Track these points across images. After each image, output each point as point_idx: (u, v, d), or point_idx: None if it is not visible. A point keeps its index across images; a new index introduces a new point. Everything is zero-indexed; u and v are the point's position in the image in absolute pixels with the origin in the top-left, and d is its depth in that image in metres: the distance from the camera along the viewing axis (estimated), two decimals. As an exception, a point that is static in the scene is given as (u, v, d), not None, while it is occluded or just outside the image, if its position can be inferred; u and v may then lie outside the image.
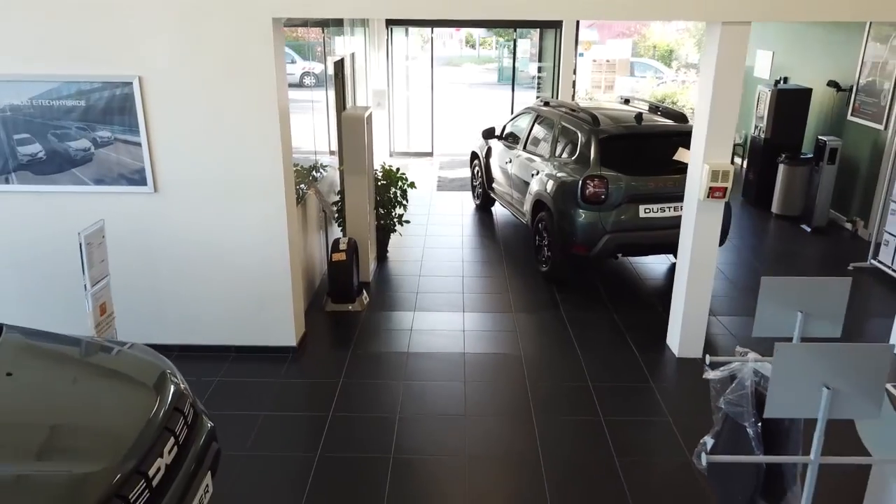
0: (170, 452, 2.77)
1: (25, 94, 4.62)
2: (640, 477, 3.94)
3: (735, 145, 11.39)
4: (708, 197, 4.82)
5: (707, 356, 3.26)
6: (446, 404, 4.64)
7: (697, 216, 4.96)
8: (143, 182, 4.81)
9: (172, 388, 3.03)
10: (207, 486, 3.02)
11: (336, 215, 7.03)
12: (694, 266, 5.06)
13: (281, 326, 5.20)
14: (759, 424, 3.05)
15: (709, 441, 3.45)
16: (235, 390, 4.74)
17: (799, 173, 8.60)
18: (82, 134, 4.71)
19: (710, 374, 3.28)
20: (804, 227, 8.42)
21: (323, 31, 7.06)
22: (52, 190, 4.82)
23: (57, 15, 4.43)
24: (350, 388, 4.82)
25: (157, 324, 5.07)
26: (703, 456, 2.70)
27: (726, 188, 4.79)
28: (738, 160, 11.20)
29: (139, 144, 4.72)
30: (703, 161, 4.80)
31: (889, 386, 2.89)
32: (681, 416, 4.50)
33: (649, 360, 5.24)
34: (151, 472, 2.61)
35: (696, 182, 4.90)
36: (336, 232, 7.19)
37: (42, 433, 2.64)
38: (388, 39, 11.46)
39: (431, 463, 4.05)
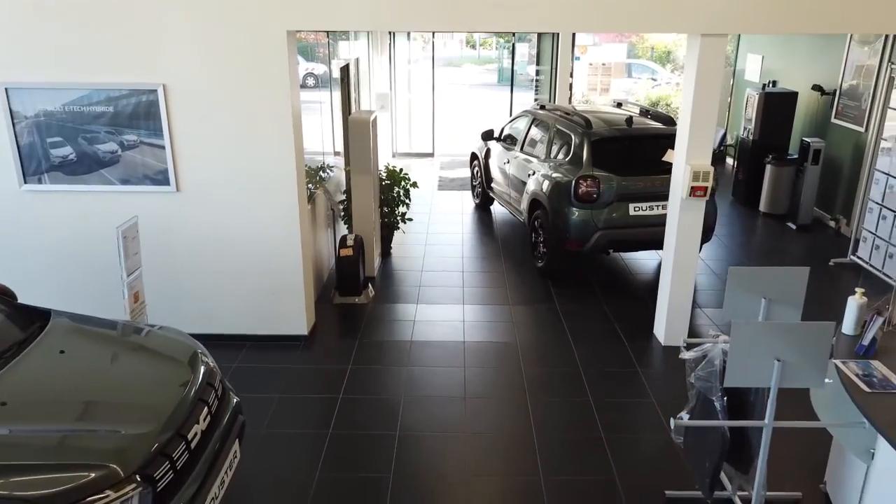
0: (204, 420, 3.15)
1: (59, 100, 4.99)
2: (625, 452, 4.31)
3: (727, 146, 11.80)
4: (690, 195, 5.20)
5: (683, 338, 3.63)
6: (447, 387, 5.02)
7: (681, 213, 5.33)
8: (166, 182, 5.18)
9: (204, 365, 3.41)
10: (236, 451, 3.40)
11: (342, 213, 7.40)
12: (678, 260, 5.44)
13: (293, 317, 5.58)
14: (725, 399, 3.43)
15: (684, 416, 3.82)
16: (252, 375, 5.11)
17: (785, 173, 8.97)
18: (110, 137, 5.09)
19: (686, 354, 3.66)
20: (790, 224, 8.79)
21: (328, 36, 7.42)
22: (82, 189, 5.20)
23: (88, 28, 4.80)
24: (358, 373, 5.19)
25: (177, 314, 5.42)
26: (672, 420, 3.07)
27: (707, 187, 5.17)
28: (729, 160, 11.59)
29: (163, 147, 5.10)
30: (685, 162, 5.18)
31: (838, 362, 3.25)
32: (664, 399, 4.87)
33: (637, 348, 5.61)
34: (189, 436, 2.99)
35: (680, 181, 5.28)
36: (342, 229, 7.56)
37: (96, 400, 3.02)
38: (390, 43, 11.84)
39: (434, 439, 4.42)
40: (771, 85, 10.12)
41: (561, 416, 4.69)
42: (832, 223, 8.70)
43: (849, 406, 3.03)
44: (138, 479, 2.66)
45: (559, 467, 4.17)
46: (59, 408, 2.94)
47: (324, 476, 4.05)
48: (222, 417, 3.33)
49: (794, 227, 8.71)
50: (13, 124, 5.04)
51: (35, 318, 3.46)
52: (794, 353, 2.80)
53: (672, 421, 3.13)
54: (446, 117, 15.37)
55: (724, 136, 11.53)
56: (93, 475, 2.57)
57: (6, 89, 4.96)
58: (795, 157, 8.93)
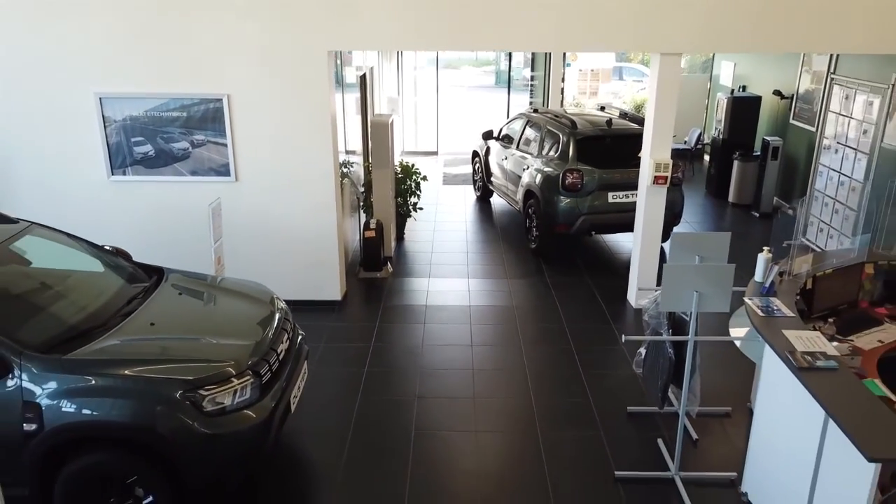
0: (286, 341, 4.33)
1: (142, 107, 6.17)
2: (598, 383, 5.50)
3: (704, 144, 13.01)
4: (654, 183, 6.39)
5: (638, 287, 4.82)
6: (457, 338, 6.21)
7: (647, 198, 6.53)
8: (227, 174, 6.37)
9: (279, 304, 4.60)
10: (305, 371, 4.58)
11: (362, 202, 8.58)
12: (645, 236, 6.63)
13: (329, 285, 6.77)
14: (671, 330, 4.61)
15: (643, 351, 5.02)
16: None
17: (750, 168, 10.19)
18: (183, 137, 6.27)
19: (642, 302, 4.85)
20: (754, 213, 10.00)
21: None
22: (159, 180, 6.38)
23: (168, 48, 5.98)
24: (384, 329, 6.38)
25: (234, 283, 6.61)
26: (624, 336, 4.27)
27: (667, 176, 6.37)
28: (707, 157, 12.78)
29: (225, 145, 6.28)
30: (649, 156, 6.37)
31: (746, 298, 4.44)
32: (631, 347, 6.05)
33: (612, 310, 6.81)
34: (278, 350, 4.17)
35: (646, 172, 6.47)
36: (361, 217, 8.74)
37: (214, 324, 4.21)
38: (398, 51, 13.04)
39: (447, 374, 5.61)
40: (741, 89, 11.33)
41: (549, 359, 5.89)
42: (790, 211, 9.91)
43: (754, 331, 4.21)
44: (250, 373, 3.84)
45: (547, 394, 5.36)
46: (191, 328, 4.12)
47: (364, 399, 5.24)
48: (296, 343, 4.52)
49: (757, 214, 9.92)
50: (104, 127, 6.22)
51: (154, 272, 4.65)
52: (706, 286, 3.99)
53: (623, 336, 4.33)
54: (448, 118, 16.56)
55: (701, 135, 12.74)
56: (224, 368, 3.75)
57: (100, 98, 6.14)
58: (759, 153, 10.13)
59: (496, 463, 4.55)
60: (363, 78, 9.50)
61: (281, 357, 4.18)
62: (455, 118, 17.88)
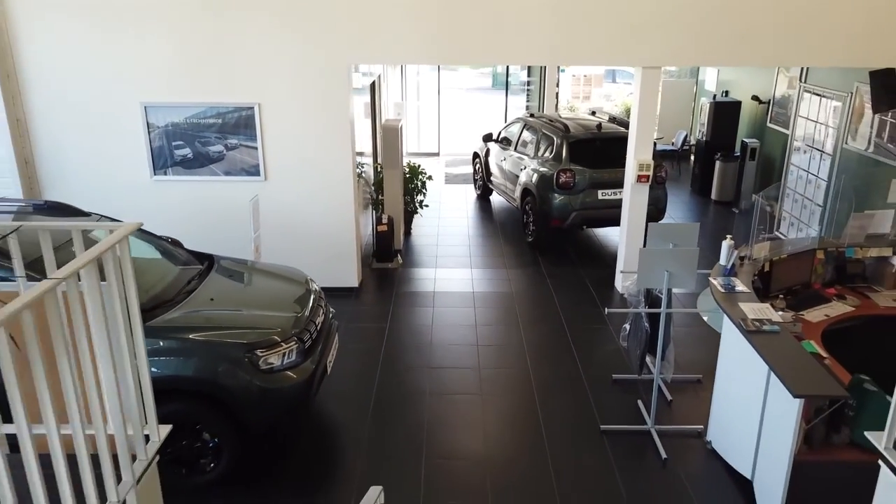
0: (321, 315, 5.10)
1: (182, 114, 6.94)
2: (587, 356, 6.29)
3: (691, 146, 13.81)
4: (637, 181, 7.18)
5: (620, 270, 5.61)
6: (462, 318, 6.99)
7: (631, 195, 7.32)
8: (257, 174, 7.14)
9: (314, 285, 5.37)
10: (336, 341, 5.36)
11: (373, 200, 9.35)
12: (630, 229, 7.41)
13: (347, 274, 7.55)
14: (647, 306, 5.40)
15: (626, 326, 5.81)
16: (321, 313, 7.06)
17: (731, 168, 11.00)
18: (218, 141, 7.04)
19: (625, 283, 5.64)
20: (734, 209, 10.81)
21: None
22: (196, 179, 7.15)
23: (206, 61, 6.75)
24: (397, 311, 7.16)
25: (262, 271, 7.37)
26: (607, 309, 5.06)
27: (648, 175, 7.16)
28: (692, 158, 13.58)
29: (256, 148, 7.05)
30: (633, 157, 7.17)
31: (710, 278, 5.22)
32: (616, 325, 6.84)
33: (601, 295, 7.59)
34: (317, 322, 4.95)
35: (630, 171, 7.26)
36: (371, 213, 9.50)
37: (262, 300, 4.99)
38: (402, 59, 13.81)
39: (454, 349, 6.39)
40: (724, 94, 12.14)
41: (544, 336, 6.67)
42: (768, 208, 10.71)
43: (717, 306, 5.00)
44: (295, 339, 4.62)
45: (542, 365, 6.14)
46: (242, 303, 4.90)
47: (383, 368, 6.02)
48: (328, 318, 5.29)
49: (737, 211, 10.72)
50: (148, 132, 6.99)
51: (205, 258, 5.42)
52: (675, 266, 4.77)
53: (606, 309, 5.11)
54: (448, 120, 17.33)
55: (687, 136, 13.55)
56: (273, 335, 4.53)
57: (145, 107, 6.90)
58: (738, 154, 10.94)
59: (499, 420, 5.33)
60: (373, 85, 10.26)
61: (318, 328, 4.96)
62: (454, 120, 18.66)
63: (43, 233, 2.41)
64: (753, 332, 4.34)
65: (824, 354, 4.37)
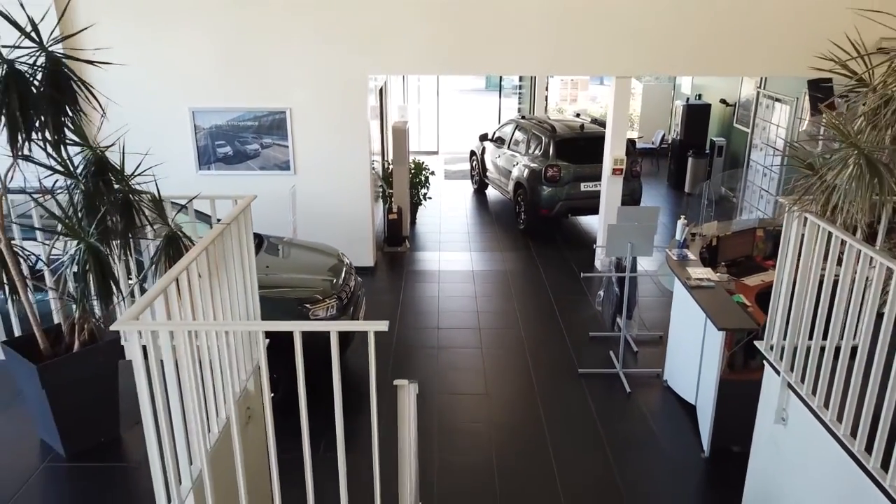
0: (353, 281, 6.31)
1: (224, 118, 8.13)
2: (569, 320, 7.51)
3: (668, 144, 15.07)
4: (612, 174, 8.42)
5: (595, 245, 6.83)
6: (464, 292, 8.21)
7: (608, 186, 8.55)
8: (288, 168, 8.33)
9: (345, 258, 6.58)
10: (364, 304, 6.56)
11: (382, 193, 10.55)
12: (607, 215, 8.64)
13: (364, 255, 8.75)
14: (616, 271, 6.62)
15: (601, 293, 7.05)
16: (343, 287, 8.26)
17: (701, 164, 12.25)
18: (254, 140, 8.23)
19: (601, 256, 6.86)
20: (706, 201, 12.05)
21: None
22: (235, 174, 8.33)
23: (245, 72, 7.93)
24: (409, 286, 8.37)
25: (291, 253, 8.56)
26: (582, 273, 6.29)
27: (622, 168, 8.39)
28: (669, 155, 14.82)
29: (287, 147, 8.24)
30: (609, 153, 8.40)
31: (666, 250, 6.45)
32: (593, 294, 8.07)
33: (582, 272, 8.83)
34: (350, 286, 6.16)
35: (607, 166, 8.50)
36: (379, 205, 10.70)
37: (307, 268, 6.19)
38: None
39: (459, 315, 7.60)
40: (697, 97, 13.40)
41: (533, 305, 7.90)
42: (734, 199, 11.98)
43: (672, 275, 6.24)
44: (335, 297, 5.82)
45: (532, 326, 7.37)
46: (291, 269, 6.10)
47: (400, 329, 7.23)
48: (359, 284, 6.50)
49: (706, 202, 11.96)
50: (195, 133, 8.17)
51: (256, 236, 6.62)
52: (635, 238, 6.00)
53: (581, 273, 6.33)
54: (445, 121, 18.53)
55: (665, 136, 14.81)
56: (317, 293, 5.73)
57: (192, 111, 8.09)
58: (708, 152, 12.20)
59: (496, 367, 6.55)
60: (380, 90, 11.46)
61: (351, 291, 6.17)
62: (452, 121, 19.87)
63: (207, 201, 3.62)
64: (694, 288, 5.58)
65: (749, 304, 5.60)
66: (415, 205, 10.85)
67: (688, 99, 13.13)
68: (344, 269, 6.33)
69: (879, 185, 3.07)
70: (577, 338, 7.11)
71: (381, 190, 10.51)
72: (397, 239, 9.63)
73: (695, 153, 12.32)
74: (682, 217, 6.67)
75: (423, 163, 10.92)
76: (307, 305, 5.62)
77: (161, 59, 7.87)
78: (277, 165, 8.34)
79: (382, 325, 2.57)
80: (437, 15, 7.71)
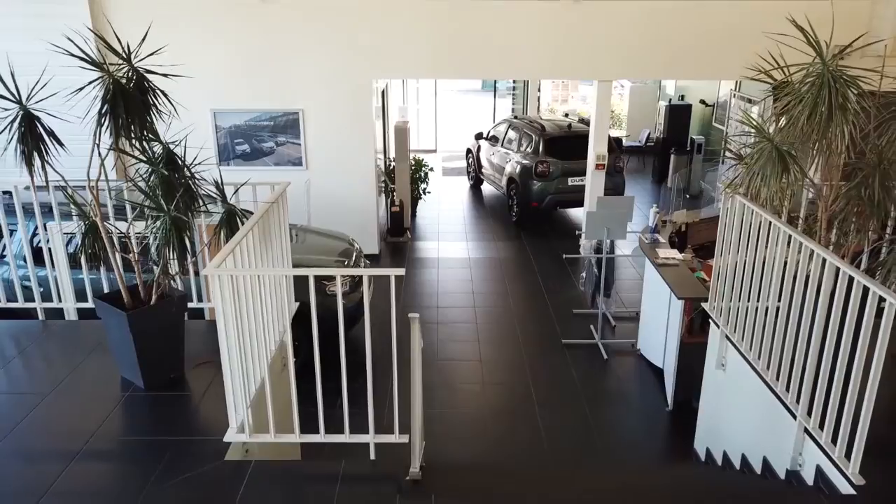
0: (362, 264, 7.15)
1: (243, 118, 8.95)
2: (556, 298, 8.36)
3: (653, 142, 15.93)
4: (595, 169, 9.26)
5: (578, 232, 7.68)
6: (462, 276, 9.05)
7: (591, 180, 9.40)
8: (301, 164, 9.16)
9: (355, 243, 7.42)
10: (373, 284, 7.40)
11: (385, 187, 11.37)
12: (589, 206, 9.48)
13: (370, 243, 9.57)
14: (596, 257, 7.46)
15: (583, 274, 7.90)
16: (351, 272, 9.11)
17: (683, 160, 13.09)
18: (270, 139, 9.05)
19: (583, 239, 7.70)
20: (686, 195, 12.91)
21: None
22: (253, 169, 9.15)
23: (263, 75, 8.76)
24: (411, 271, 9.21)
25: (303, 241, 9.38)
26: (564, 255, 7.14)
27: (604, 164, 9.24)
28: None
29: (300, 144, 9.07)
30: (593, 150, 9.25)
31: (639, 234, 7.29)
32: (578, 274, 8.91)
33: (568, 259, 9.67)
34: (361, 264, 6.99)
35: (591, 161, 9.34)
36: (382, 199, 11.52)
37: (322, 250, 7.03)
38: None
39: (456, 296, 8.44)
40: (680, 98, 14.26)
41: (523, 287, 8.74)
42: (712, 192, 12.83)
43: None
44: (348, 276, 6.66)
45: (521, 304, 8.21)
46: (310, 251, 6.94)
47: (404, 307, 8.05)
48: (367, 266, 7.34)
49: (688, 196, 12.82)
50: (216, 132, 8.99)
51: (275, 223, 7.44)
52: (611, 224, 6.84)
53: (565, 256, 7.18)
54: (443, 120, 19.37)
55: (649, 135, 15.67)
56: (341, 260, 6.57)
57: (214, 112, 8.91)
58: (689, 149, 13.05)
59: (489, 337, 7.39)
60: (383, 92, 12.28)
61: (363, 266, 7.01)
62: (449, 120, 20.70)
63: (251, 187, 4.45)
64: (661, 265, 6.42)
65: (708, 279, 6.45)
66: (415, 199, 11.68)
67: (670, 100, 13.99)
68: (354, 253, 7.17)
69: (785, 171, 3.92)
70: (562, 315, 7.95)
71: (384, 185, 11.34)
72: (399, 230, 10.46)
73: (676, 150, 13.16)
74: (655, 206, 7.52)
75: (422, 160, 11.76)
76: (324, 282, 6.45)
77: (186, 65, 8.66)
78: (291, 161, 9.17)
79: (400, 271, 3.38)
80: (435, 25, 8.55)
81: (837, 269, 3.22)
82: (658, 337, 6.55)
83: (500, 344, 7.30)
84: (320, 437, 3.53)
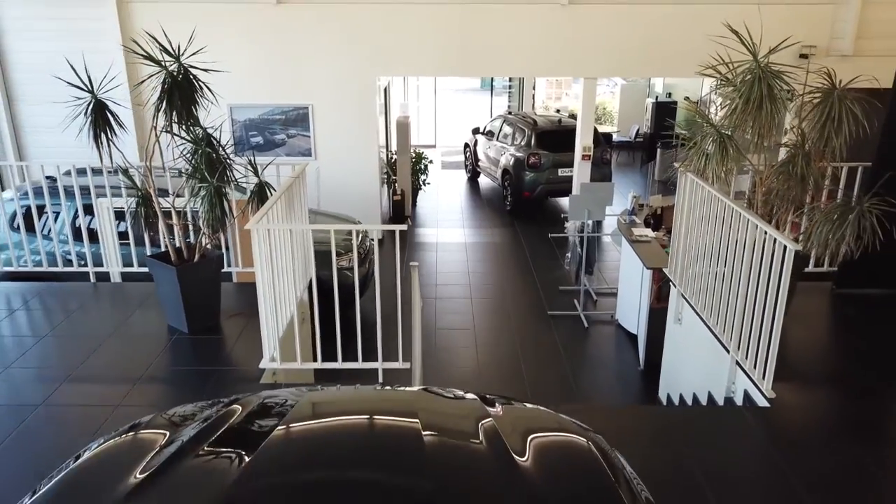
0: (367, 243, 7.93)
1: (257, 112, 9.74)
2: (544, 277, 9.14)
3: (642, 137, 16.71)
4: (581, 160, 10.05)
5: (563, 216, 8.47)
6: (458, 258, 9.83)
7: (578, 169, 10.19)
8: (310, 155, 9.94)
9: (361, 225, 8.21)
10: (377, 260, 8.17)
11: (386, 178, 12.14)
12: (577, 189, 10.25)
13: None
14: (578, 236, 8.24)
15: (568, 254, 8.68)
16: (356, 254, 9.89)
17: (668, 154, 13.87)
18: (282, 131, 9.83)
19: (568, 221, 8.49)
20: (671, 186, 13.68)
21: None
22: (266, 159, 9.90)
23: (275, 73, 9.54)
24: (412, 253, 9.99)
25: (312, 227, 10.16)
26: (550, 235, 7.93)
27: (590, 155, 10.02)
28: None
29: (309, 136, 9.85)
30: (579, 143, 10.04)
31: (618, 216, 8.06)
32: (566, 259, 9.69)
33: (557, 244, 10.46)
34: (366, 245, 7.78)
35: (578, 152, 10.13)
36: (385, 189, 12.30)
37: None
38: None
39: (453, 275, 9.22)
40: (667, 95, 15.03)
41: (514, 268, 9.52)
42: (696, 185, 13.60)
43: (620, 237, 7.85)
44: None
45: (512, 282, 8.99)
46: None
47: (405, 284, 8.84)
48: (372, 245, 8.13)
49: (670, 185, 13.59)
50: (232, 125, 9.78)
51: (289, 207, 8.23)
52: (592, 206, 7.62)
53: (550, 235, 7.97)
54: (442, 117, 20.16)
55: (638, 130, 16.45)
56: (340, 248, 7.35)
57: (230, 107, 9.69)
58: (674, 143, 13.82)
59: (483, 309, 8.17)
60: (385, 89, 13.06)
61: (367, 249, 7.80)
62: (448, 117, 21.48)
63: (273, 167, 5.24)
64: (635, 242, 7.21)
65: (676, 254, 7.23)
66: (415, 189, 12.47)
67: (657, 97, 14.77)
68: (361, 233, 7.95)
69: (724, 151, 4.71)
70: (549, 291, 8.73)
71: (386, 175, 12.11)
72: (401, 217, 11.24)
73: (662, 145, 13.95)
74: (632, 192, 8.30)
75: (422, 153, 12.54)
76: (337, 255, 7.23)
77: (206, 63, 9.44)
78: (301, 152, 9.95)
79: (402, 227, 4.16)
80: (436, 27, 9.33)
81: (756, 226, 4.01)
82: (633, 305, 7.33)
83: (492, 315, 8.08)
84: (338, 364, 4.31)
